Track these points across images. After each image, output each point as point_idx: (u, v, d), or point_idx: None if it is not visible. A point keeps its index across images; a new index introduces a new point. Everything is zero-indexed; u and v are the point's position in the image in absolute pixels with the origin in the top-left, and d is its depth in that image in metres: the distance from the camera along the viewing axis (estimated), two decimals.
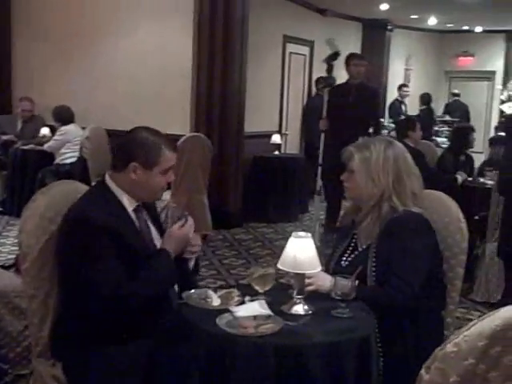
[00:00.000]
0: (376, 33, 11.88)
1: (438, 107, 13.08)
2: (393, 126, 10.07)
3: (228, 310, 2.15)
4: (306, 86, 9.91)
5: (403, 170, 2.55)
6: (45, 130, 7.44)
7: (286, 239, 2.28)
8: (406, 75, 13.20)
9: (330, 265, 2.66)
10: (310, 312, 2.21)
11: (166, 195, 5.07)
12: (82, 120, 7.20)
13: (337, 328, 2.11)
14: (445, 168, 5.98)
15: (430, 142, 7.88)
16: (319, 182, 6.49)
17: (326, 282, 2.35)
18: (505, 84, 13.10)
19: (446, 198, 2.74)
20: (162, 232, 2.53)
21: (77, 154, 7.05)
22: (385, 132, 9.96)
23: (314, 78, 9.56)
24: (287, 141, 9.29)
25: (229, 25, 6.80)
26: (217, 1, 6.75)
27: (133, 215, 2.40)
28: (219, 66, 6.83)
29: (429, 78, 13.63)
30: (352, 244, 2.65)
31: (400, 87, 11.62)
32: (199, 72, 6.88)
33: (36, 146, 7.42)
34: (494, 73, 13.68)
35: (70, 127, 7.19)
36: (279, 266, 2.24)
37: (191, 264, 2.54)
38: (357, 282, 2.25)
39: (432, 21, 11.56)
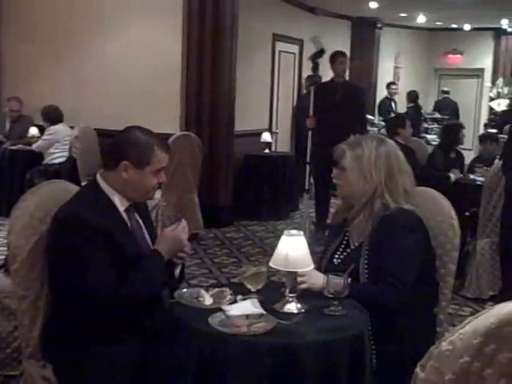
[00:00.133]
0: (365, 31, 11.91)
1: (428, 105, 13.14)
2: (383, 123, 10.10)
3: (220, 309, 2.14)
4: (296, 85, 9.93)
5: (395, 168, 2.56)
6: (33, 130, 7.40)
7: (277, 237, 2.27)
8: (395, 73, 13.23)
9: (322, 263, 2.66)
10: (303, 310, 2.20)
11: (157, 194, 5.05)
12: (70, 120, 7.16)
13: (330, 326, 2.11)
14: (435, 165, 6.00)
15: (420, 139, 7.91)
16: (308, 180, 6.50)
17: (318, 280, 2.34)
18: (493, 81, 13.16)
19: (438, 196, 2.74)
20: (153, 232, 2.51)
21: (66, 153, 7.01)
22: (375, 130, 9.99)
23: (304, 76, 9.57)
24: (277, 139, 9.29)
25: (218, 24, 6.78)
26: (206, 0, 6.73)
27: (124, 215, 2.38)
28: (209, 65, 6.81)
29: (418, 76, 13.68)
30: (344, 242, 2.64)
31: (388, 85, 11.58)
32: (189, 71, 6.85)
33: (25, 146, 7.38)
34: (482, 70, 13.76)
35: (59, 127, 7.16)
36: (271, 264, 2.23)
37: (177, 272, 2.52)
38: (349, 279, 2.24)
39: (421, 19, 11.59)
